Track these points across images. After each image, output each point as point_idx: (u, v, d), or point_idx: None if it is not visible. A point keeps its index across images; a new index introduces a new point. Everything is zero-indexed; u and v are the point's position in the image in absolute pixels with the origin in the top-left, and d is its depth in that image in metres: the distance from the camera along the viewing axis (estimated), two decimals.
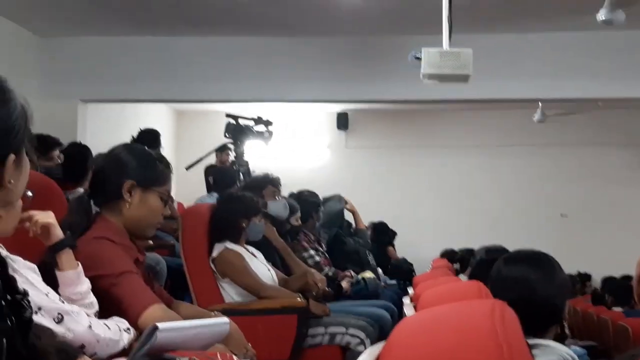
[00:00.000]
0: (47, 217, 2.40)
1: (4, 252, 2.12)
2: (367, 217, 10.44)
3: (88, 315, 2.33)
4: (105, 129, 8.76)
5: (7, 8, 6.99)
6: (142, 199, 2.81)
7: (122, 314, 2.51)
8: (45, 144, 5.87)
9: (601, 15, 5.95)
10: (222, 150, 7.95)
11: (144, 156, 2.90)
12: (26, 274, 2.16)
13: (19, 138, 1.45)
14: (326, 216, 6.44)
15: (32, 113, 1.63)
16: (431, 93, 7.82)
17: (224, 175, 7.09)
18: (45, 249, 2.43)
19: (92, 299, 2.45)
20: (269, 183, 5.20)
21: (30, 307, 1.55)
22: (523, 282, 2.38)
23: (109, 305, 2.53)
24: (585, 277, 12.08)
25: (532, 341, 2.19)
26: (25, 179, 1.72)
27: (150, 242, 5.91)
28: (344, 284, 5.73)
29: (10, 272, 2.02)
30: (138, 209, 2.81)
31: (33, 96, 7.33)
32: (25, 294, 1.53)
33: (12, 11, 7.15)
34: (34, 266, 2.24)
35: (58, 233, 2.41)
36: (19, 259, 2.18)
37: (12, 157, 1.51)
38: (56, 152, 5.93)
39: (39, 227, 2.38)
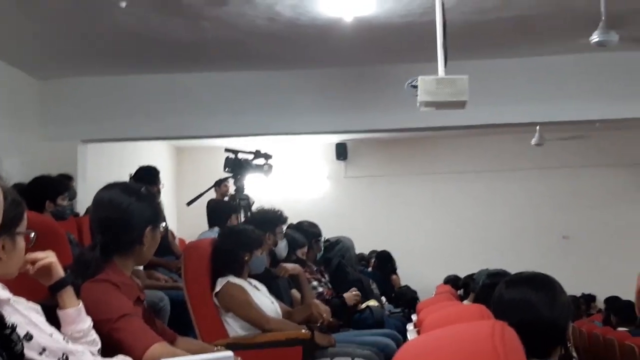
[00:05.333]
0: (48, 257, 2.41)
1: (7, 294, 2.12)
2: (369, 246, 10.46)
3: (92, 354, 2.33)
4: (106, 167, 8.79)
5: (6, 52, 7.04)
6: (154, 238, 2.86)
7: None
8: (59, 186, 5.86)
9: (595, 37, 6.00)
10: (219, 184, 7.97)
11: (152, 199, 2.93)
12: (29, 314, 2.16)
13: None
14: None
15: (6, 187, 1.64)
16: (428, 120, 7.85)
17: (222, 208, 7.09)
18: (47, 289, 2.43)
19: (95, 336, 2.45)
20: (282, 222, 5.22)
21: (20, 340, 1.55)
22: (525, 304, 2.38)
23: (111, 348, 2.53)
24: (589, 298, 12.04)
25: None
26: (0, 208, 1.71)
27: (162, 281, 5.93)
28: (348, 295, 5.70)
29: (10, 312, 2.03)
30: (150, 247, 2.86)
31: (33, 139, 7.39)
32: (13, 328, 1.53)
33: (11, 55, 7.20)
34: (38, 307, 2.24)
35: (59, 272, 2.41)
36: (22, 299, 2.18)
37: None
38: (64, 198, 5.92)
39: (42, 268, 2.38)
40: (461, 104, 4.87)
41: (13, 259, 2.20)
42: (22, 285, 2.29)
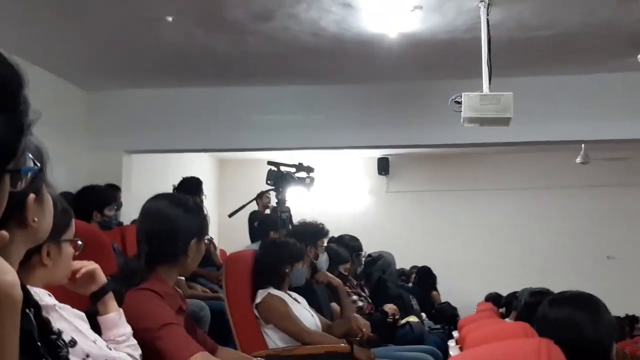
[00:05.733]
0: (91, 264, 2.44)
1: (53, 300, 2.15)
2: (409, 261, 10.42)
3: (134, 358, 2.35)
4: (150, 177, 8.88)
5: (55, 64, 7.17)
6: (198, 249, 2.89)
7: None
8: (106, 197, 5.93)
9: None
10: (261, 196, 8.01)
11: (199, 211, 2.96)
12: (74, 321, 2.18)
13: (38, 177, 1.46)
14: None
15: (47, 151, 1.66)
16: (472, 137, 7.81)
17: (267, 222, 7.12)
18: (88, 298, 2.46)
19: (135, 342, 2.47)
20: (324, 236, 5.22)
21: (66, 346, 1.57)
22: (569, 324, 2.35)
23: (153, 357, 2.54)
24: (633, 320, 11.84)
25: None
26: (50, 215, 1.75)
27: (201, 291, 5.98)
28: (388, 307, 5.67)
29: (56, 318, 2.05)
30: (195, 259, 2.89)
31: (79, 149, 7.48)
32: (59, 334, 1.55)
33: (59, 67, 7.33)
34: (82, 314, 2.26)
35: (102, 278, 2.44)
36: (67, 306, 2.20)
37: (32, 196, 1.54)
38: (111, 209, 5.99)
39: (85, 275, 2.41)
40: (505, 121, 4.85)
41: (58, 266, 2.23)
42: (65, 295, 2.32)
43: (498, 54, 5.24)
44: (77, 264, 2.40)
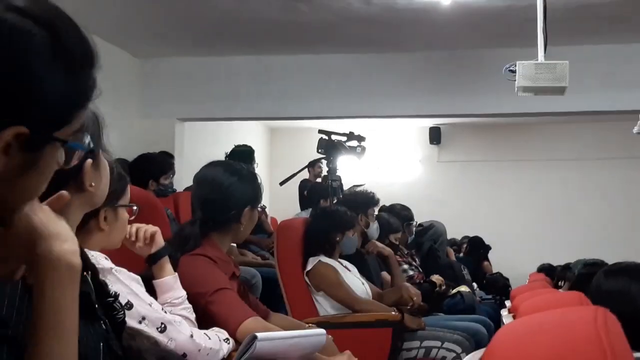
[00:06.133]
0: (152, 227, 2.49)
1: (109, 264, 2.20)
2: (461, 231, 10.38)
3: (190, 321, 2.40)
4: (201, 144, 8.95)
5: (105, 31, 7.23)
6: (251, 217, 2.93)
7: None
8: (163, 166, 6.02)
9: None
10: (313, 165, 8.02)
11: (253, 180, 2.99)
12: (130, 284, 2.23)
13: (94, 143, 1.48)
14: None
15: (103, 117, 1.69)
16: (526, 106, 7.70)
17: (317, 190, 7.15)
18: (145, 261, 2.50)
19: (190, 306, 2.51)
20: (374, 205, 5.23)
21: (123, 308, 1.60)
22: (624, 295, 2.32)
23: (207, 321, 2.59)
24: None
25: (637, 354, 2.13)
26: (106, 180, 1.77)
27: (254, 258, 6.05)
28: (435, 278, 5.68)
29: (113, 281, 2.10)
30: (248, 227, 2.93)
31: (132, 116, 7.57)
32: (116, 296, 1.59)
33: (111, 34, 7.38)
34: (138, 277, 2.31)
35: (161, 241, 2.49)
36: (124, 270, 2.25)
37: (89, 161, 1.56)
38: (167, 178, 6.08)
39: (148, 236, 2.46)
40: (561, 90, 4.78)
41: (115, 231, 2.28)
42: (122, 258, 2.37)
43: (554, 21, 5.13)
44: (139, 225, 2.45)
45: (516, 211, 12.04)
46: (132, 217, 2.34)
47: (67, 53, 1.09)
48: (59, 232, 1.11)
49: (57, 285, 1.09)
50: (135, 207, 2.33)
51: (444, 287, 5.77)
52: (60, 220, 1.14)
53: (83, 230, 2.04)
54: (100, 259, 2.16)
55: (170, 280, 2.48)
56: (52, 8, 1.11)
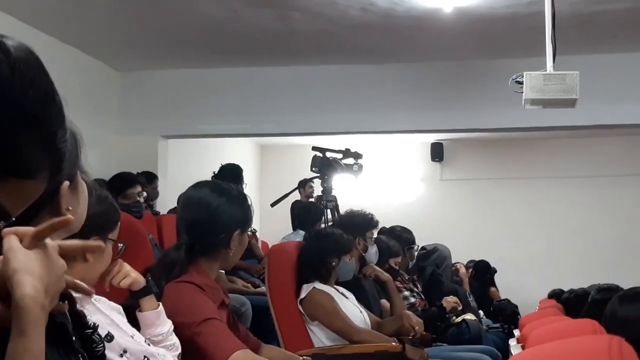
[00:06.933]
0: (128, 274, 2.46)
1: None
2: (466, 255, 10.36)
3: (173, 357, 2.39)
4: (186, 163, 8.95)
5: (84, 42, 7.24)
6: (241, 242, 2.92)
7: None
8: (122, 181, 6.02)
9: None
10: (303, 185, 8.03)
11: (243, 201, 2.98)
12: (111, 315, 2.23)
13: (71, 164, 1.48)
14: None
15: (81, 135, 1.69)
16: (534, 120, 7.73)
17: (309, 211, 7.14)
18: (128, 292, 2.50)
19: (175, 340, 2.51)
20: (373, 227, 5.22)
21: (102, 341, 1.60)
22: None
23: (193, 353, 2.58)
24: None
25: None
26: (84, 204, 1.77)
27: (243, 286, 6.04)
28: (447, 301, 5.64)
29: (92, 311, 2.09)
30: (237, 252, 2.93)
31: (112, 133, 7.56)
32: (95, 328, 1.58)
33: (89, 45, 7.40)
34: (119, 307, 2.31)
35: (141, 284, 2.48)
36: (104, 299, 2.25)
37: (66, 183, 1.56)
38: (135, 190, 6.06)
39: (124, 286, 2.45)
40: (571, 103, 4.79)
41: (99, 264, 2.29)
42: (102, 287, 2.36)
43: (563, 29, 5.16)
44: (116, 268, 2.43)
45: (524, 232, 12.03)
46: (117, 257, 2.35)
47: None
48: (25, 273, 1.14)
49: (22, 330, 1.11)
50: (122, 245, 2.34)
51: (460, 308, 5.76)
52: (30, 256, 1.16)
53: (66, 258, 2.03)
54: None
55: (152, 316, 2.47)
56: None
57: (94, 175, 2.14)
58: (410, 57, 7.99)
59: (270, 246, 5.27)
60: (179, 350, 2.51)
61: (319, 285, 4.27)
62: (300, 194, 8.32)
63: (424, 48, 7.66)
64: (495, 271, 10.01)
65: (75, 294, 1.84)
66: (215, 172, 7.10)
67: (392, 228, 6.34)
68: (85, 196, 1.79)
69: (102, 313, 2.18)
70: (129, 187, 6.04)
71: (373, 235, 5.28)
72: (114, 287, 2.44)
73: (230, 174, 6.91)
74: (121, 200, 5.85)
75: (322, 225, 6.53)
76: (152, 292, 2.50)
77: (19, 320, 1.12)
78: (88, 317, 1.63)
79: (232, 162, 7.50)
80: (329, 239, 4.49)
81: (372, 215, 5.20)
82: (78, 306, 1.59)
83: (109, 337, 2.15)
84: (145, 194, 6.42)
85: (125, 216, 3.26)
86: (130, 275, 2.44)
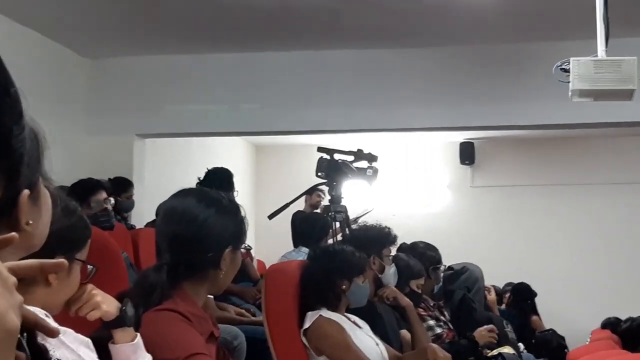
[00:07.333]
0: (97, 309, 2.45)
1: (54, 324, 2.19)
2: (502, 276, 10.37)
3: None
4: (167, 167, 8.98)
5: (47, 26, 7.25)
6: (233, 261, 2.91)
7: None
8: (83, 189, 6.02)
9: None
10: (311, 192, 8.03)
11: (236, 212, 2.98)
12: (78, 349, 2.23)
13: (32, 169, 1.47)
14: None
15: (44, 134, 1.69)
16: (583, 115, 7.73)
17: (314, 224, 7.14)
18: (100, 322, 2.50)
19: None
20: (390, 243, 5.22)
21: None
22: None
23: None
24: None
25: None
26: (47, 217, 1.77)
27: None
28: (479, 332, 5.62)
29: (56, 345, 2.10)
30: (229, 273, 2.92)
31: (81, 131, 7.60)
32: None
33: (53, 29, 7.41)
34: (88, 340, 2.31)
35: (111, 315, 2.47)
36: (70, 331, 2.25)
37: (25, 192, 1.56)
38: (100, 196, 6.07)
39: (95, 314, 2.45)
40: (627, 94, 4.80)
41: (65, 288, 2.29)
42: (66, 316, 2.36)
43: (617, 6, 5.17)
44: (84, 297, 2.43)
45: (573, 249, 12.01)
46: (86, 281, 2.36)
47: None
48: None
49: None
50: (91, 267, 2.34)
51: (495, 341, 5.75)
52: None
53: (24, 281, 2.04)
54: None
55: (127, 349, 2.47)
56: None
57: (59, 182, 2.15)
58: (434, 41, 8.00)
59: (267, 266, 5.29)
60: None
61: (326, 313, 4.27)
62: (305, 203, 8.32)
63: (452, 30, 7.66)
64: (535, 295, 10.01)
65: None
66: (201, 178, 7.11)
67: (414, 244, 6.34)
68: (48, 207, 1.79)
69: (68, 347, 2.17)
70: (92, 194, 6.05)
71: (391, 252, 5.28)
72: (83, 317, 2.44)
73: (219, 179, 6.92)
74: (85, 210, 5.85)
75: (330, 241, 6.53)
76: (126, 325, 2.50)
77: None
78: (51, 353, 1.64)
79: (220, 166, 7.51)
80: (337, 257, 4.49)
81: (389, 229, 5.20)
82: (39, 339, 1.59)
83: None
84: (112, 200, 6.43)
85: (97, 233, 3.27)
86: (100, 308, 2.43)
